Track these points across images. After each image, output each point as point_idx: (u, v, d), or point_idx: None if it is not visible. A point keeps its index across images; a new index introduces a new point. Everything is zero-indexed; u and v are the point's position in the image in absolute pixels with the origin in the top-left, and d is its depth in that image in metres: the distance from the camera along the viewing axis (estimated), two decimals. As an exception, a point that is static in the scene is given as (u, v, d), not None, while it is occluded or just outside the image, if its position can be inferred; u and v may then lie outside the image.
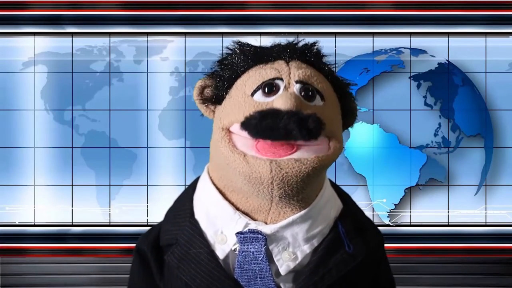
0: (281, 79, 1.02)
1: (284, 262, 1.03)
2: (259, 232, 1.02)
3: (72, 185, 2.55)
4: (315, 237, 1.05)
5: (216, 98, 1.08)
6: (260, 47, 1.08)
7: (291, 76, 1.02)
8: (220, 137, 1.02)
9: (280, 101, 0.97)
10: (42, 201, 2.56)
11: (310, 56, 1.07)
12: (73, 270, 2.52)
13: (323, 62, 1.09)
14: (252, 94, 1.02)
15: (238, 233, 1.03)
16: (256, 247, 1.01)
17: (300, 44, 1.09)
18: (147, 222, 2.52)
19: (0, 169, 2.55)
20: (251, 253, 1.02)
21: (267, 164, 0.96)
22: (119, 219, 2.56)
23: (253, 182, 0.98)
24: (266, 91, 1.01)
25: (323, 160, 0.99)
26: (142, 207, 2.56)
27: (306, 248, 1.04)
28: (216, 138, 1.04)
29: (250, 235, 1.02)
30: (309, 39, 1.10)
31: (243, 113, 1.00)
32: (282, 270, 1.03)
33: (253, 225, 1.03)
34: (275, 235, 1.03)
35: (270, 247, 1.03)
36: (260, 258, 1.01)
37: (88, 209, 2.56)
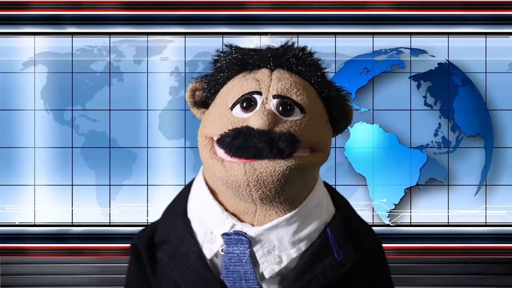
0: (260, 93, 1.02)
1: (269, 265, 1.03)
2: (244, 234, 1.02)
3: (72, 185, 2.56)
4: (302, 241, 1.04)
5: (204, 102, 1.10)
6: (248, 52, 1.08)
7: (270, 89, 1.02)
8: (203, 144, 1.05)
9: (254, 120, 0.98)
10: (42, 201, 2.56)
11: (296, 64, 1.06)
12: (73, 270, 2.53)
13: (310, 69, 1.07)
14: (232, 107, 1.03)
15: (223, 234, 1.03)
16: (241, 249, 1.02)
17: (290, 48, 1.07)
18: (147, 222, 2.51)
19: (0, 169, 2.56)
20: (236, 255, 1.02)
21: (241, 166, 0.97)
22: (119, 219, 2.56)
23: (231, 186, 0.99)
24: (244, 105, 1.02)
25: (299, 159, 0.99)
26: (142, 207, 2.56)
27: (293, 252, 1.04)
28: (199, 144, 1.07)
29: (235, 236, 1.02)
30: (300, 44, 1.09)
31: (221, 128, 1.02)
32: (266, 273, 1.03)
33: (239, 227, 1.03)
34: (260, 238, 1.03)
35: (255, 249, 1.03)
36: (245, 260, 1.02)
37: (88, 209, 2.56)
